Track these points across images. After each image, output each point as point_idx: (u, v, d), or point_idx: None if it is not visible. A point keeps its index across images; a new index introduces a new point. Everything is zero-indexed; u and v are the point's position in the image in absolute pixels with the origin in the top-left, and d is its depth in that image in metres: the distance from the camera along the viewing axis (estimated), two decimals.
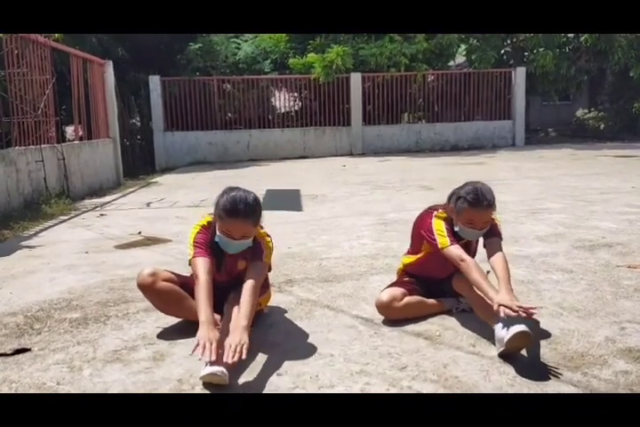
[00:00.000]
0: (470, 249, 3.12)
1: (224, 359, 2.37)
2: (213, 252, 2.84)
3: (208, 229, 2.88)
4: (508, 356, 2.56)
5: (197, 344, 2.39)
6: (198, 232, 2.86)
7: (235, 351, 2.38)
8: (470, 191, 2.87)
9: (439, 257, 3.01)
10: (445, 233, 2.94)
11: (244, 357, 2.39)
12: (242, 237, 2.75)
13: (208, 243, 2.83)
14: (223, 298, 2.86)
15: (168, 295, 2.95)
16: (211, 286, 2.66)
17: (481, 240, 3.10)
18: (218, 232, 2.78)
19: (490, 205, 2.85)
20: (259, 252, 2.88)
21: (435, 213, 3.07)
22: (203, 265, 2.72)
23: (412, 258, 3.28)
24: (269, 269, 3.03)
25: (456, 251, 2.89)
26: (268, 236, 3.02)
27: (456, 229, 2.98)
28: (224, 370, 2.35)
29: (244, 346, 2.41)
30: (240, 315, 2.60)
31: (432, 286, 3.21)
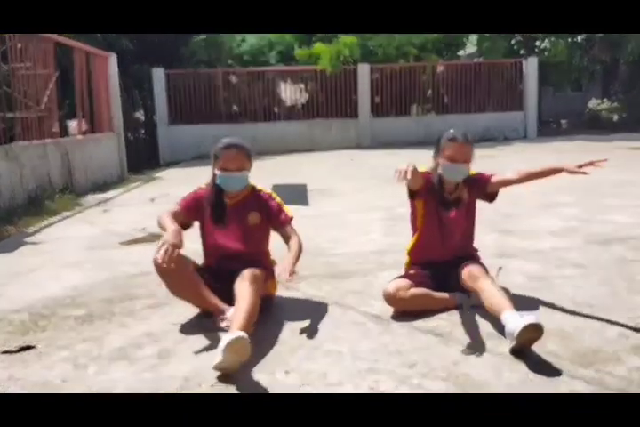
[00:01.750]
0: (469, 213, 3.30)
1: (287, 274, 2.74)
2: (215, 207, 3.15)
3: (199, 194, 3.21)
4: (519, 352, 2.52)
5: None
6: (189, 194, 3.23)
7: (290, 271, 2.77)
8: (448, 132, 3.18)
9: (436, 229, 3.20)
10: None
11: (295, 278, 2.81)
12: (238, 169, 3.09)
13: (190, 202, 3.17)
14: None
15: (182, 276, 2.92)
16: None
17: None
18: (218, 173, 3.10)
19: (467, 139, 3.12)
20: (281, 215, 3.21)
21: None
22: (170, 212, 3.03)
23: (412, 240, 3.37)
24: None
25: None
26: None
27: (440, 171, 3.17)
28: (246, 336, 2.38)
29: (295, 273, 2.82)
30: (290, 254, 3.01)
31: (440, 277, 3.16)
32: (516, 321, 2.50)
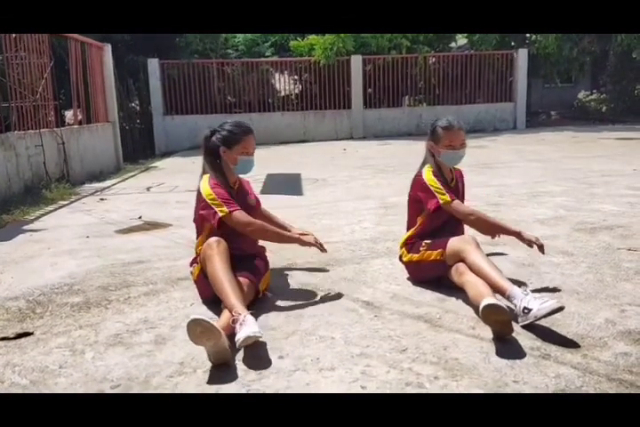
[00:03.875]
0: (459, 196, 3.37)
1: (322, 250, 3.18)
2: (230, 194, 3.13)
3: (218, 182, 3.11)
4: (502, 338, 2.56)
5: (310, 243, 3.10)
6: (214, 187, 3.07)
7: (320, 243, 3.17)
8: (441, 121, 3.30)
9: (439, 217, 3.28)
10: (443, 189, 3.21)
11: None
12: (253, 153, 3.15)
13: (229, 195, 3.08)
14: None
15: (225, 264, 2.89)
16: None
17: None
18: (238, 158, 3.10)
19: (460, 126, 3.27)
20: (258, 200, 3.44)
21: (423, 169, 3.33)
22: (244, 213, 3.03)
23: (411, 231, 3.41)
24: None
25: (462, 206, 3.23)
26: None
27: (440, 158, 3.29)
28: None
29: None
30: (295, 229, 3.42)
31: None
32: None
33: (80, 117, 9.89)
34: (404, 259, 3.39)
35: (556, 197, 5.94)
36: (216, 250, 2.85)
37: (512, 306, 2.70)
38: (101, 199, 7.09)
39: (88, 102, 9.93)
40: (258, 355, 2.50)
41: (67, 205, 6.76)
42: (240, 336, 2.40)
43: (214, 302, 3.00)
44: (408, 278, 3.44)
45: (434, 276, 3.23)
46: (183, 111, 15.43)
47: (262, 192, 6.49)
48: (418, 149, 3.45)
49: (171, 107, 15.45)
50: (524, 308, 2.62)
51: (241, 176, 3.33)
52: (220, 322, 2.58)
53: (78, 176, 8.80)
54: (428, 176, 3.26)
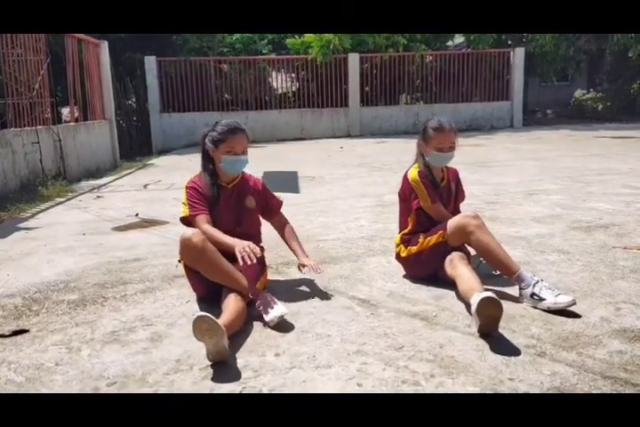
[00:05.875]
0: (449, 203, 3.41)
1: (315, 271, 3.10)
2: (215, 192, 3.14)
3: (197, 185, 3.15)
4: (487, 335, 2.57)
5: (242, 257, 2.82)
6: (190, 187, 3.16)
7: (317, 267, 3.12)
8: (433, 121, 3.29)
9: (427, 215, 3.33)
10: (425, 191, 3.25)
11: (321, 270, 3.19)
12: (243, 152, 3.12)
13: (201, 198, 3.11)
14: None
15: (213, 258, 2.90)
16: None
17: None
18: (223, 157, 3.09)
19: (451, 126, 3.25)
20: (274, 200, 3.40)
21: (410, 168, 3.38)
22: (204, 220, 3.05)
23: (407, 229, 3.42)
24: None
25: (440, 212, 3.28)
26: None
27: (428, 158, 3.30)
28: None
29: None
30: (300, 251, 3.30)
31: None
32: (476, 299, 2.55)
33: (77, 115, 9.86)
34: (403, 254, 3.39)
35: (552, 196, 5.96)
36: (200, 244, 2.84)
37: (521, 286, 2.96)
38: (98, 196, 7.09)
39: (85, 100, 9.92)
40: (254, 352, 2.50)
41: (63, 202, 6.75)
42: (274, 316, 2.73)
43: (208, 299, 3.03)
44: (404, 276, 3.45)
45: (433, 267, 3.23)
46: (180, 109, 15.41)
47: None
48: (414, 147, 3.45)
49: (168, 104, 15.43)
50: (534, 293, 2.87)
51: (253, 176, 3.37)
52: (220, 321, 2.58)
53: (75, 173, 8.79)
54: (413, 176, 3.31)
